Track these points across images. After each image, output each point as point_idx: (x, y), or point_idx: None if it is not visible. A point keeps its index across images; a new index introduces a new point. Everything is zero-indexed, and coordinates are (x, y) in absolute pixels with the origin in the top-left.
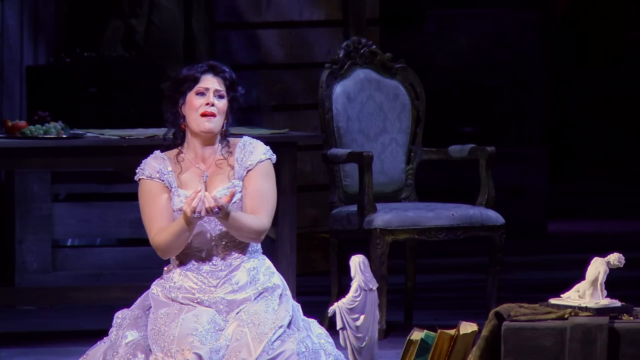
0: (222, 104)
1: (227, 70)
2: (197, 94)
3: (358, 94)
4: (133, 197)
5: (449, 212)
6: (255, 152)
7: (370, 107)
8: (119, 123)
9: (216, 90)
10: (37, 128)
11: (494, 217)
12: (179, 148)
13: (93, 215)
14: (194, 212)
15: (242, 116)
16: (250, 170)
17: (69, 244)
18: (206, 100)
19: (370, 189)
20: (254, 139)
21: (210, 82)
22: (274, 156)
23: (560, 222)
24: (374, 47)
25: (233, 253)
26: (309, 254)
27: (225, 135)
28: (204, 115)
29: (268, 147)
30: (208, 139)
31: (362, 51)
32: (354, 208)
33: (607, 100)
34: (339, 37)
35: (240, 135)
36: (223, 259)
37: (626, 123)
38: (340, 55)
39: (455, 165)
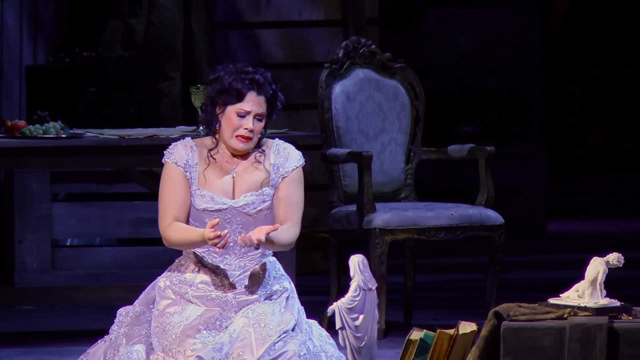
0: (260, 126)
1: (270, 90)
2: (238, 115)
3: (357, 93)
4: (132, 197)
5: (448, 212)
6: (289, 159)
7: (369, 107)
8: (118, 123)
9: (257, 115)
10: (37, 128)
11: (494, 216)
12: (212, 139)
13: (92, 215)
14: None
15: None
16: (285, 177)
17: (68, 244)
18: (245, 125)
19: (370, 188)
20: (287, 143)
21: (251, 104)
22: (304, 160)
23: (559, 222)
24: (373, 47)
25: (248, 254)
26: (309, 253)
27: (258, 143)
28: (238, 136)
29: (300, 152)
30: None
31: (361, 51)
32: (353, 208)
33: (607, 100)
34: (338, 37)
35: (273, 137)
36: (238, 259)
37: (625, 123)
38: (340, 55)
39: (454, 165)
